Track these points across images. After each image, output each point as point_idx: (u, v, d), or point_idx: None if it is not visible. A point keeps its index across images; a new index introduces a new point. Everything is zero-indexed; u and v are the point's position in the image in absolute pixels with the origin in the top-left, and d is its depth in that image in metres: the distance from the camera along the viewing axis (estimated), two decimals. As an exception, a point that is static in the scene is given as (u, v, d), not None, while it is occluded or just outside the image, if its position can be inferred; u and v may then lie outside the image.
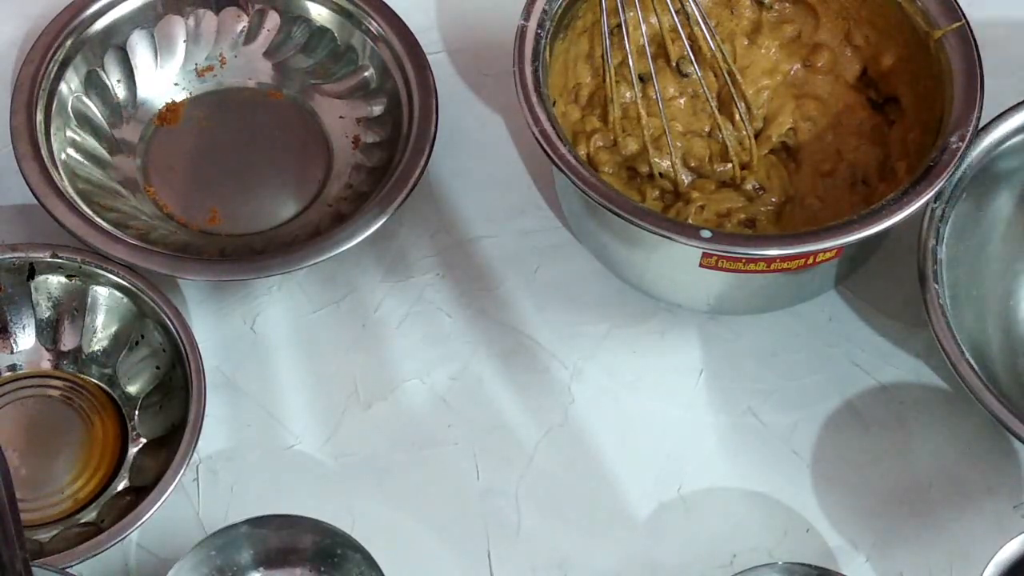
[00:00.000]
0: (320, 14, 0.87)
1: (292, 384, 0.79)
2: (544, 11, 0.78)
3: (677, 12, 0.81)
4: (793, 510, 0.76)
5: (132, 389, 0.77)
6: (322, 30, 0.88)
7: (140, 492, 0.72)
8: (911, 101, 0.80)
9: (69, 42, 0.83)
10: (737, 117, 0.82)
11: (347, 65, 0.87)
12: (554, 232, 0.85)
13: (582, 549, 0.75)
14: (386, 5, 0.86)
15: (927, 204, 0.74)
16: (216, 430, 0.77)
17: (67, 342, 0.78)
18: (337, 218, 0.81)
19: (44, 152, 0.79)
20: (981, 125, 0.75)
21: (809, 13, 0.84)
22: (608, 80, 0.81)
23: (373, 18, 0.86)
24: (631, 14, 0.82)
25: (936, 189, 0.72)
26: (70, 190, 0.79)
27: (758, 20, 0.85)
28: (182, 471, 0.71)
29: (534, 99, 0.75)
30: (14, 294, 0.77)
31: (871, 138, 0.82)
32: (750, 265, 0.72)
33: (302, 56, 0.88)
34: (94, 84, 0.85)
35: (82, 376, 0.78)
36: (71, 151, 0.82)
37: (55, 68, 0.82)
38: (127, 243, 0.77)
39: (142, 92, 0.87)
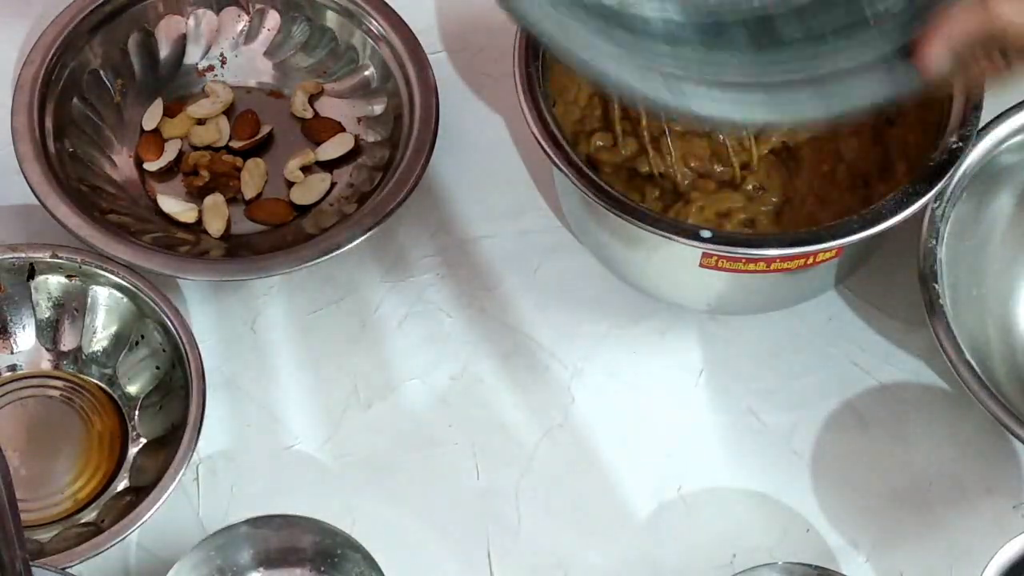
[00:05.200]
0: (321, 13, 0.87)
1: (292, 384, 0.79)
2: (544, 11, 0.78)
3: (677, 12, 0.81)
4: (793, 510, 0.76)
5: (132, 389, 0.77)
6: (322, 29, 0.88)
7: (140, 492, 0.72)
8: (911, 101, 0.80)
9: (70, 42, 0.83)
10: (737, 117, 0.82)
11: (347, 64, 0.88)
12: (554, 232, 0.85)
13: (582, 549, 0.75)
14: (386, 4, 0.86)
15: (927, 204, 0.74)
16: (216, 430, 0.77)
17: (67, 342, 0.78)
18: (338, 218, 0.81)
19: (45, 152, 0.79)
20: (981, 125, 0.75)
21: (809, 13, 0.84)
22: (608, 80, 0.81)
23: (373, 17, 0.86)
24: (631, 14, 0.82)
25: (936, 189, 0.72)
26: (71, 190, 0.79)
27: (758, 20, 0.85)
28: (182, 471, 0.71)
29: (534, 99, 0.75)
30: (14, 294, 0.77)
31: (871, 138, 0.82)
32: (750, 265, 0.72)
33: (302, 55, 0.88)
34: (94, 84, 0.85)
35: (82, 376, 0.78)
36: (72, 151, 0.82)
37: (56, 68, 0.82)
38: (127, 243, 0.77)
39: (143, 92, 0.87)
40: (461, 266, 0.83)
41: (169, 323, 0.75)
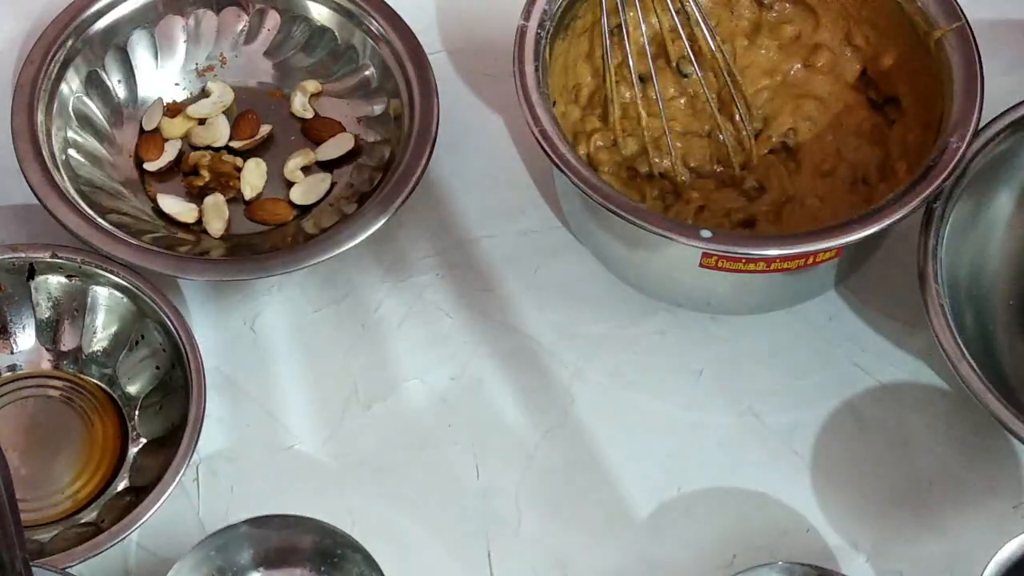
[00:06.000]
0: (320, 13, 0.87)
1: (292, 384, 0.79)
2: (544, 11, 0.78)
3: (677, 12, 0.81)
4: (793, 510, 0.76)
5: (132, 389, 0.77)
6: (322, 29, 0.88)
7: (140, 492, 0.72)
8: (911, 101, 0.80)
9: (70, 42, 0.83)
10: (737, 117, 0.82)
11: (347, 64, 0.88)
12: (554, 232, 0.85)
13: (582, 549, 0.75)
14: (386, 4, 0.86)
15: (927, 204, 0.74)
16: (216, 430, 0.77)
17: (67, 342, 0.78)
18: (338, 218, 0.81)
19: (45, 152, 0.79)
20: (981, 125, 0.75)
21: (809, 13, 0.84)
22: (608, 80, 0.81)
23: (373, 17, 0.86)
24: (631, 14, 0.82)
25: (936, 189, 0.72)
26: (71, 190, 0.79)
27: (758, 20, 0.85)
28: (182, 471, 0.71)
29: (534, 99, 0.75)
30: (14, 294, 0.77)
31: (871, 138, 0.82)
32: (750, 265, 0.72)
33: (302, 55, 0.88)
34: (95, 84, 0.85)
35: (82, 376, 0.78)
36: (72, 151, 0.82)
37: (56, 68, 0.82)
38: (127, 243, 0.77)
39: (142, 92, 0.87)
40: (461, 266, 0.83)
41: (169, 323, 0.75)
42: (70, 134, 0.82)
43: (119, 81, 0.86)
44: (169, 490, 0.70)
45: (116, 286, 0.77)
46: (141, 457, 0.75)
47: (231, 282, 0.81)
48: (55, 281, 0.78)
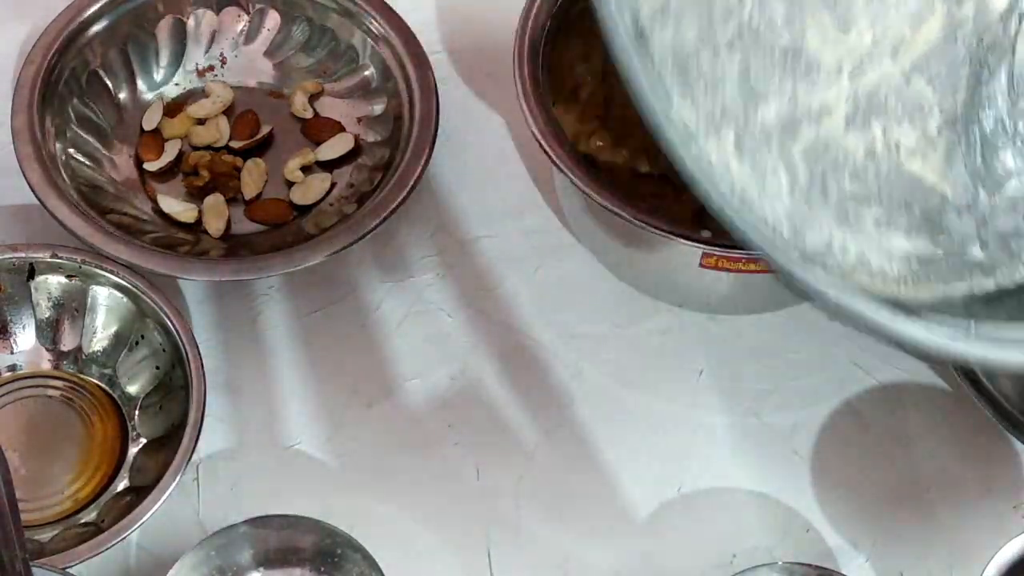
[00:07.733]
0: (320, 13, 0.87)
1: (292, 384, 0.79)
2: (544, 11, 0.78)
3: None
4: (793, 510, 0.76)
5: (132, 389, 0.77)
6: (322, 29, 0.88)
7: (140, 492, 0.72)
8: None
9: (70, 42, 0.83)
10: (737, 117, 0.82)
11: (347, 64, 0.88)
12: (554, 232, 0.85)
13: (582, 549, 0.75)
14: (386, 4, 0.86)
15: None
16: (216, 430, 0.77)
17: (67, 342, 0.78)
18: (338, 218, 0.81)
19: (45, 152, 0.79)
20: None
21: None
22: (608, 80, 0.81)
23: (374, 17, 0.86)
24: (631, 14, 0.82)
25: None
26: (71, 190, 0.79)
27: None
28: (182, 471, 0.71)
29: (534, 99, 0.75)
30: (14, 294, 0.77)
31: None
32: (750, 265, 0.72)
33: (302, 55, 0.88)
34: (95, 84, 0.85)
35: (82, 376, 0.78)
36: (72, 151, 0.82)
37: (56, 68, 0.82)
38: (127, 243, 0.77)
39: (142, 92, 0.87)
40: (461, 266, 0.83)
41: (169, 323, 0.75)
42: (70, 134, 0.82)
43: (119, 81, 0.86)
44: (169, 490, 0.70)
45: (116, 286, 0.77)
46: (141, 457, 0.75)
47: (231, 282, 0.81)
48: (55, 281, 0.78)
